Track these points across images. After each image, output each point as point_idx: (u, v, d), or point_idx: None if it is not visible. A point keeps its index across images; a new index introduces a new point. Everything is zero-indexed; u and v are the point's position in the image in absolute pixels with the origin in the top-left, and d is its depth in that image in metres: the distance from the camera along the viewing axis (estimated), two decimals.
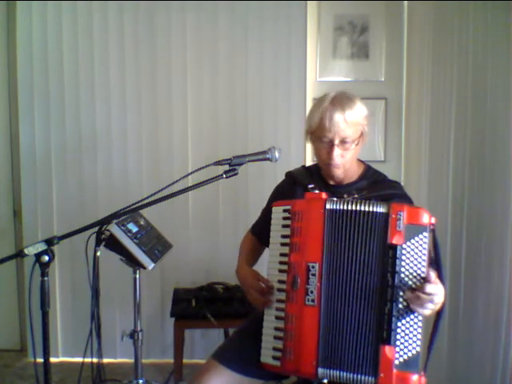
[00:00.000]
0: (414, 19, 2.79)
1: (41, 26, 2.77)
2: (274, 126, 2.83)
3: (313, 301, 1.30)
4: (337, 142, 1.47)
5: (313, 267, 1.31)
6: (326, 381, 1.34)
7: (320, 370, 1.28)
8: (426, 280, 1.22)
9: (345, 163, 1.51)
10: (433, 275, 1.22)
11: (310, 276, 1.31)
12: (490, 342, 1.89)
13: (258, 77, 2.82)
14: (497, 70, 1.88)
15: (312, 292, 1.30)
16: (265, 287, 1.43)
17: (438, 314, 1.32)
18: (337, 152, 1.47)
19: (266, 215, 1.54)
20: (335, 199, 1.35)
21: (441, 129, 2.37)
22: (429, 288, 1.20)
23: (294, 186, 1.61)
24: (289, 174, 1.71)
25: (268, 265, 1.45)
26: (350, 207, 1.31)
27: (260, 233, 1.72)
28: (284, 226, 1.41)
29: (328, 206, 1.33)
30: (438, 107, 2.42)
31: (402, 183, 2.86)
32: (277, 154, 1.48)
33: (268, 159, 1.49)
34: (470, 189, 2.08)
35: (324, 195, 1.39)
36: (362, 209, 1.30)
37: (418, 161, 2.68)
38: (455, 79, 2.21)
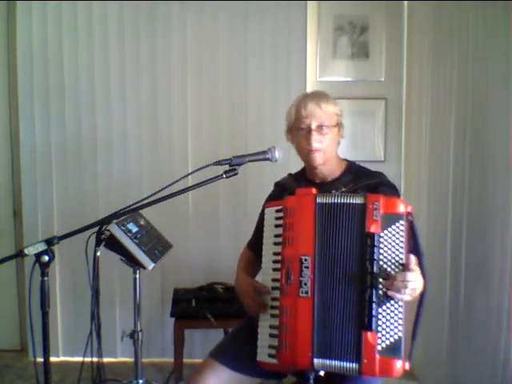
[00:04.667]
0: (414, 19, 2.79)
1: (41, 26, 2.77)
2: (274, 126, 2.83)
3: (306, 292, 1.32)
4: (314, 126, 1.56)
5: (305, 260, 1.34)
6: (322, 373, 1.35)
7: (315, 361, 1.29)
8: (404, 266, 1.26)
9: (324, 149, 1.58)
10: (412, 260, 1.27)
11: (303, 268, 1.33)
12: (491, 340, 1.89)
13: (258, 77, 2.82)
14: (497, 69, 1.88)
15: (306, 284, 1.32)
16: (259, 299, 1.45)
17: (420, 302, 1.35)
18: (315, 137, 1.56)
19: (260, 228, 1.55)
20: (325, 193, 1.39)
21: (441, 129, 2.37)
22: (408, 276, 1.24)
23: (282, 193, 1.64)
24: (277, 184, 1.78)
25: (262, 265, 1.47)
26: (337, 200, 1.35)
27: (256, 247, 1.71)
28: (277, 226, 1.43)
29: (319, 200, 1.37)
30: (438, 107, 2.42)
31: (402, 183, 2.88)
32: (277, 154, 1.49)
33: (268, 159, 1.50)
34: (470, 188, 2.08)
35: (314, 190, 1.42)
36: (344, 201, 1.35)
37: (418, 161, 2.68)
38: (455, 79, 2.21)
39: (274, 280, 1.40)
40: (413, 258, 1.27)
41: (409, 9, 2.84)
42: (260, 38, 2.80)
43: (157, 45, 2.81)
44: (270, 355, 1.36)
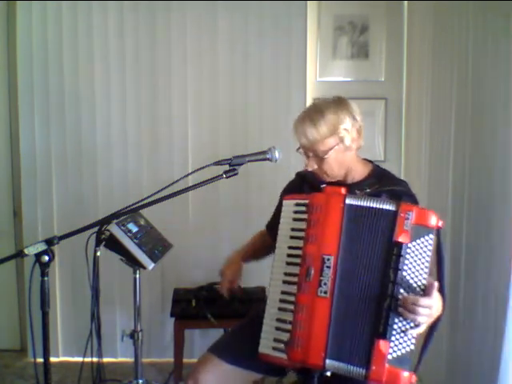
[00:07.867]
0: (413, 19, 2.79)
1: (41, 26, 2.77)
2: (274, 125, 2.83)
3: (325, 292, 1.30)
4: (311, 154, 1.51)
5: (328, 259, 1.32)
6: (329, 373, 1.34)
7: (328, 362, 1.28)
8: (425, 288, 1.24)
9: (326, 169, 1.52)
10: (434, 285, 1.23)
11: (325, 268, 1.31)
12: (490, 341, 1.89)
13: (258, 77, 2.82)
14: (497, 70, 1.88)
15: (325, 284, 1.30)
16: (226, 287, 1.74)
17: (434, 323, 1.33)
18: (310, 162, 1.52)
19: (278, 211, 1.53)
20: (355, 195, 1.38)
21: (441, 129, 2.37)
22: (424, 301, 1.22)
23: (302, 184, 1.63)
24: (299, 174, 1.73)
25: (274, 257, 1.44)
26: (368, 204, 1.33)
27: (272, 229, 1.70)
28: (295, 220, 1.41)
29: (348, 201, 1.35)
30: (438, 107, 2.42)
31: None
32: (277, 154, 1.49)
33: (268, 159, 1.50)
34: (469, 188, 2.08)
35: (343, 190, 1.40)
36: (375, 205, 1.32)
37: (418, 161, 2.68)
38: (455, 79, 2.21)
39: (286, 274, 1.38)
40: (435, 284, 1.23)
41: (409, 9, 2.84)
42: (260, 38, 2.80)
43: (157, 46, 2.80)
44: (275, 348, 1.34)
